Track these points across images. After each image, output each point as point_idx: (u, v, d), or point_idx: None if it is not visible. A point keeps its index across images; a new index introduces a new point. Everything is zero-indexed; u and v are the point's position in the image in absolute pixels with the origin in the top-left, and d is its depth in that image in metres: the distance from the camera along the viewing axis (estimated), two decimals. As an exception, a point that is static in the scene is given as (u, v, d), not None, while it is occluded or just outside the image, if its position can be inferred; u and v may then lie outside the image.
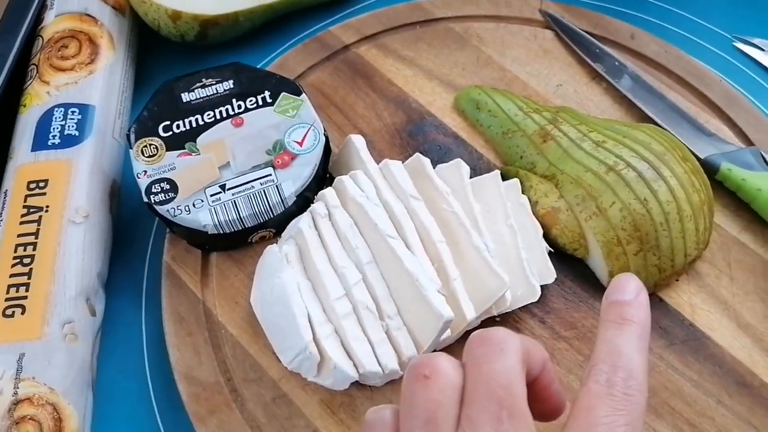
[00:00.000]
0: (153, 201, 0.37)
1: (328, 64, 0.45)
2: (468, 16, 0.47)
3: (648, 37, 0.46)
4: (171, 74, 0.47)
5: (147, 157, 0.38)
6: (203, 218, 0.36)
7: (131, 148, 0.38)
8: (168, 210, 0.36)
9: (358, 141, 0.39)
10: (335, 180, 0.38)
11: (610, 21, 0.47)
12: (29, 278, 0.36)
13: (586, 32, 0.46)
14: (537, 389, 0.25)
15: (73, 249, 0.37)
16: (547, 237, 0.38)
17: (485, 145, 0.42)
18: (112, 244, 0.41)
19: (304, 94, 0.40)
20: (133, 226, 0.42)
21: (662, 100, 0.44)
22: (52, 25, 0.44)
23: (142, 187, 0.37)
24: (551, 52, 0.46)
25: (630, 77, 0.44)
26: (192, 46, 0.47)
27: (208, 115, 0.39)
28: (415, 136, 0.43)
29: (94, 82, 0.42)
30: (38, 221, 0.37)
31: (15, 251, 0.36)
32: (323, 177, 0.40)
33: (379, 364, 0.33)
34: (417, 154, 0.39)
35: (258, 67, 0.47)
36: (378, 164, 0.39)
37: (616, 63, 0.45)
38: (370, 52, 0.46)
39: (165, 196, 0.37)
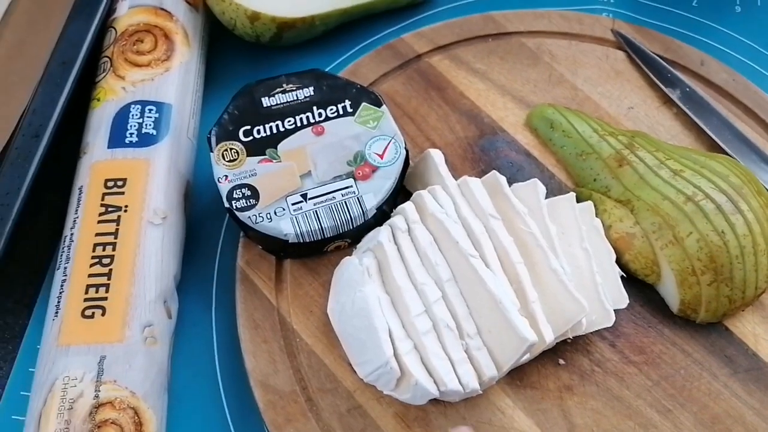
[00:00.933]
0: (234, 207, 0.37)
1: (400, 73, 0.45)
2: (540, 32, 0.47)
3: (717, 65, 0.46)
4: (239, 74, 0.48)
5: (228, 161, 0.38)
6: (285, 227, 0.36)
7: (212, 152, 0.38)
8: (249, 217, 0.37)
9: (437, 156, 0.39)
10: (414, 194, 0.38)
11: (681, 45, 0.47)
12: (109, 279, 0.36)
13: (658, 55, 0.46)
14: None
15: (152, 250, 0.37)
16: (618, 261, 0.39)
17: (557, 165, 0.43)
18: (187, 244, 0.41)
19: (384, 106, 0.40)
20: (201, 227, 0.42)
21: (731, 129, 0.44)
22: (126, 17, 0.44)
23: (223, 192, 0.37)
24: (623, 74, 0.46)
25: (700, 104, 0.44)
26: (262, 47, 0.46)
27: (289, 121, 0.39)
28: (487, 151, 0.43)
29: (170, 80, 0.42)
30: (117, 221, 0.37)
31: (93, 250, 0.36)
32: (400, 190, 0.40)
33: (460, 382, 0.34)
34: (494, 172, 0.39)
35: (328, 69, 0.47)
36: (456, 180, 0.39)
37: (687, 89, 0.45)
38: (443, 63, 0.46)
39: (246, 203, 0.37)
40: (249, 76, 0.46)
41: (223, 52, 0.48)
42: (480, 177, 0.40)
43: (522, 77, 0.45)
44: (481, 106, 0.44)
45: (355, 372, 0.36)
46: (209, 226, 0.42)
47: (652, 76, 0.46)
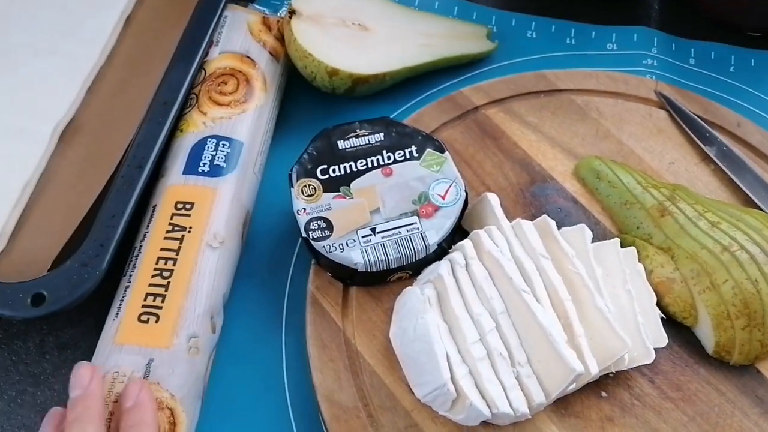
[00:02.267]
0: (311, 237, 0.41)
1: (459, 123, 0.50)
2: (588, 90, 0.51)
3: (753, 127, 0.50)
4: (310, 119, 0.52)
5: (306, 196, 0.42)
6: (355, 257, 0.40)
7: (292, 187, 0.43)
8: (324, 246, 0.41)
9: (493, 199, 0.43)
10: (472, 233, 0.42)
11: (719, 108, 0.51)
12: (166, 290, 0.40)
13: (697, 116, 0.50)
14: None
15: (207, 270, 0.42)
16: (659, 304, 0.42)
17: (602, 212, 0.46)
18: (250, 266, 0.46)
19: (447, 152, 0.44)
20: (273, 254, 0.47)
21: (765, 186, 0.47)
22: (216, 60, 0.49)
23: (301, 223, 0.41)
24: (665, 131, 0.50)
25: (736, 162, 0.48)
26: (334, 96, 0.51)
27: (361, 162, 0.43)
28: (537, 197, 0.47)
29: (245, 120, 0.47)
30: (181, 240, 0.42)
31: (156, 263, 0.41)
32: (457, 228, 0.44)
33: (511, 407, 0.37)
34: (545, 216, 0.43)
35: (392, 117, 0.52)
36: (510, 222, 0.43)
37: (724, 148, 0.48)
38: (498, 115, 0.50)
39: (321, 234, 0.41)
40: (319, 122, 0.51)
41: (297, 98, 0.53)
42: (531, 220, 0.43)
43: (571, 131, 0.50)
44: (532, 155, 0.48)
45: (413, 392, 0.39)
46: (280, 254, 0.47)
47: (691, 135, 0.49)
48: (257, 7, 0.54)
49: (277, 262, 0.46)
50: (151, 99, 0.46)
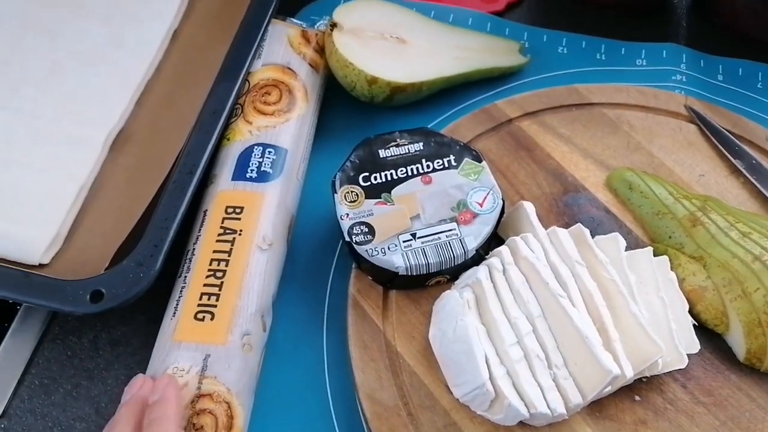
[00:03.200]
0: (354, 241, 0.43)
1: (494, 134, 0.51)
2: (619, 104, 0.53)
3: (781, 141, 0.51)
4: (350, 127, 0.54)
5: (349, 202, 0.44)
6: (396, 261, 0.42)
7: (336, 193, 0.44)
8: (366, 250, 0.42)
9: (529, 207, 0.45)
10: (509, 240, 0.43)
11: (748, 123, 0.52)
12: (220, 290, 0.42)
13: (726, 130, 0.51)
14: None
15: (258, 271, 0.43)
16: (691, 311, 0.43)
17: (634, 222, 0.48)
18: (292, 269, 0.47)
19: (484, 162, 0.45)
20: (314, 257, 0.48)
21: (794, 198, 0.48)
22: (259, 72, 0.51)
23: (344, 227, 0.43)
24: (695, 144, 0.51)
25: (765, 175, 0.49)
26: (372, 105, 0.53)
27: (401, 171, 0.45)
28: (570, 206, 0.48)
29: (288, 129, 0.49)
30: (232, 242, 0.44)
31: (210, 264, 0.43)
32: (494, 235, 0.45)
33: (549, 407, 0.38)
34: (579, 225, 0.44)
35: (429, 127, 0.53)
36: (545, 230, 0.44)
37: (753, 161, 0.50)
38: (532, 128, 0.52)
39: (364, 238, 0.43)
40: (357, 131, 0.53)
41: (336, 108, 0.55)
42: (565, 228, 0.45)
43: (603, 143, 0.51)
44: (565, 166, 0.50)
45: (451, 392, 0.41)
46: (322, 257, 0.48)
47: (721, 148, 0.50)
48: (295, 21, 0.56)
49: (319, 265, 0.48)
50: (199, 110, 0.48)
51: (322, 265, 0.48)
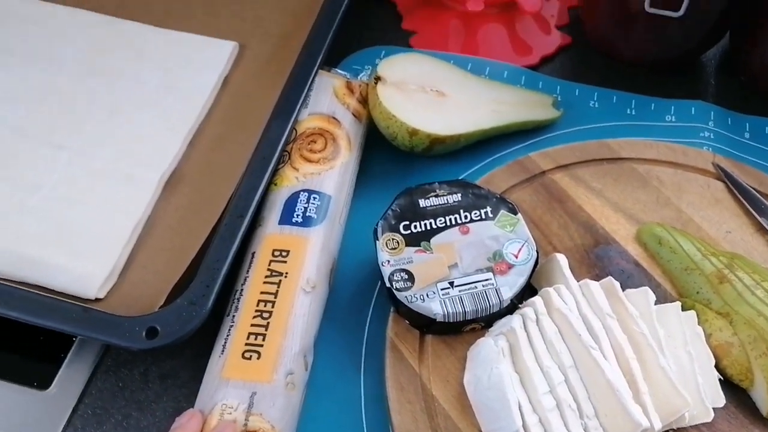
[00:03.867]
0: (394, 287, 0.45)
1: (528, 185, 0.54)
2: (649, 160, 0.55)
3: (808, 199, 0.53)
4: (388, 174, 0.57)
5: (390, 249, 0.46)
6: (435, 308, 0.44)
7: (377, 240, 0.47)
8: (405, 296, 0.44)
9: (562, 260, 0.47)
10: (542, 290, 0.45)
11: (774, 181, 0.54)
12: (266, 330, 0.44)
13: (753, 188, 0.53)
14: None
15: (302, 313, 0.46)
16: (717, 366, 0.44)
17: (663, 276, 0.49)
18: (332, 310, 0.50)
19: (519, 215, 0.48)
20: (352, 300, 0.50)
21: (820, 257, 0.50)
22: (306, 121, 0.54)
23: (385, 274, 0.45)
24: (722, 201, 0.53)
25: (791, 233, 0.51)
26: (410, 154, 0.56)
27: (440, 220, 0.47)
28: (601, 259, 0.50)
29: (332, 176, 0.52)
30: (278, 284, 0.46)
31: (257, 305, 0.45)
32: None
33: (579, 456, 0.40)
34: (610, 278, 0.46)
35: (464, 176, 0.56)
36: (578, 282, 0.46)
37: (780, 219, 0.51)
38: (564, 180, 0.54)
39: (404, 284, 0.45)
40: (396, 178, 0.56)
41: (376, 156, 0.57)
42: (595, 281, 0.47)
43: (633, 197, 0.53)
44: (596, 218, 0.52)
45: (484, 437, 0.42)
46: (360, 300, 0.50)
47: (747, 206, 0.52)
48: (339, 71, 0.59)
49: (358, 306, 0.50)
50: (249, 155, 0.51)
51: (361, 307, 0.50)
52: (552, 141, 0.58)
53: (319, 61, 0.56)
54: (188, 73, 0.59)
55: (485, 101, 0.57)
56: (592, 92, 0.62)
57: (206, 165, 0.54)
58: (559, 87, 0.62)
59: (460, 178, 0.56)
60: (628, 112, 0.61)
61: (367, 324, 0.49)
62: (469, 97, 0.56)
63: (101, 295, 0.47)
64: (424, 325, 0.46)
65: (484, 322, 0.46)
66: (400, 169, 0.57)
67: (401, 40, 0.66)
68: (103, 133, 0.55)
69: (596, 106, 0.61)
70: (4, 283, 0.46)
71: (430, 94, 0.55)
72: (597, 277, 0.48)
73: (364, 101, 0.56)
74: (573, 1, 0.68)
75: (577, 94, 0.62)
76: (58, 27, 0.60)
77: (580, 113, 0.60)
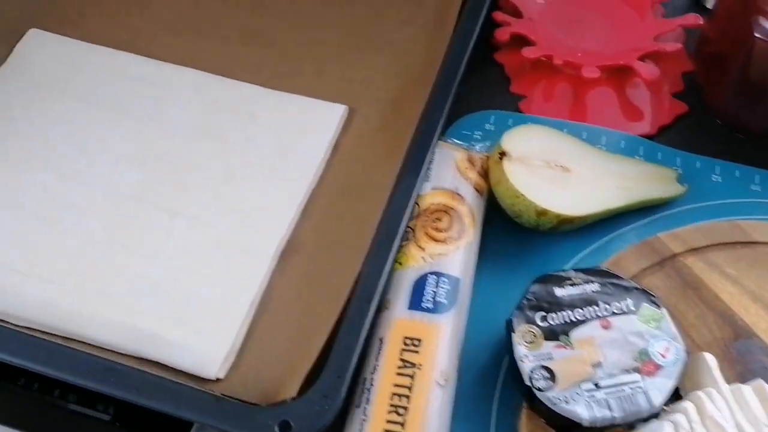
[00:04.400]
0: (535, 386, 0.43)
1: (659, 270, 0.51)
2: (786, 245, 0.52)
3: None
4: (506, 251, 0.54)
5: (527, 343, 0.44)
6: (581, 412, 0.42)
7: (513, 332, 0.45)
8: (549, 398, 0.42)
9: (711, 361, 0.44)
10: (692, 395, 0.43)
11: None
12: (403, 428, 0.42)
13: None
14: None
15: (436, 408, 0.44)
16: None
17: (812, 377, 0.46)
18: (455, 401, 0.47)
19: (664, 309, 0.45)
20: (474, 390, 0.48)
21: None
22: (428, 196, 0.52)
23: (524, 370, 0.43)
24: None
25: None
26: (530, 230, 0.53)
27: (579, 312, 0.45)
28: (742, 354, 0.47)
29: (459, 256, 0.50)
30: (412, 377, 0.44)
31: (391, 399, 0.43)
32: (673, 386, 0.45)
33: None
34: (760, 381, 0.43)
35: (584, 253, 0.54)
36: (729, 386, 0.43)
37: None
38: (698, 265, 0.51)
39: (545, 384, 0.43)
40: (515, 254, 0.54)
41: (493, 230, 0.55)
42: (737, 379, 0.44)
43: (772, 286, 0.50)
44: (734, 309, 0.49)
45: None
46: (483, 389, 0.48)
47: None
48: (456, 141, 0.57)
49: (482, 397, 0.48)
50: (369, 229, 0.50)
51: (485, 398, 0.48)
52: (676, 218, 0.56)
53: (438, 130, 0.54)
54: (299, 136, 0.57)
55: (610, 176, 0.54)
56: (713, 165, 0.59)
57: (321, 236, 0.52)
58: (678, 159, 0.60)
59: (581, 255, 0.54)
60: (753, 188, 0.58)
61: (493, 415, 0.47)
62: (593, 172, 0.54)
63: (221, 375, 0.46)
64: (567, 428, 0.43)
65: (628, 427, 0.43)
66: (518, 246, 0.54)
67: (509, 104, 0.64)
68: (217, 199, 0.54)
69: (719, 180, 0.58)
70: (129, 365, 0.44)
71: (555, 169, 0.53)
72: (739, 375, 0.46)
73: (485, 174, 0.54)
74: (686, 66, 0.66)
75: (698, 166, 0.59)
76: (169, 86, 0.59)
77: (702, 187, 0.58)
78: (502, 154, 0.52)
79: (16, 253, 0.51)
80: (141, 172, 0.55)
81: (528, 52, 0.63)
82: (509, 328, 0.45)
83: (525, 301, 0.46)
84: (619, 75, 0.64)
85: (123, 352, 0.46)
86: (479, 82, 0.65)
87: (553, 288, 0.46)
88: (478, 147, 0.57)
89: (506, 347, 0.45)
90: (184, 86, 0.59)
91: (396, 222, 0.49)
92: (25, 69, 0.60)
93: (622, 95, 0.65)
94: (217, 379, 0.45)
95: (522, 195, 0.50)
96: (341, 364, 0.43)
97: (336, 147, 0.57)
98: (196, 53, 0.62)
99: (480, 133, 0.61)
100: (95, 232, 0.52)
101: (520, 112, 0.63)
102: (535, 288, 0.46)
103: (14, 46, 0.61)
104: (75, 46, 0.62)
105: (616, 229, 0.55)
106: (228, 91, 0.59)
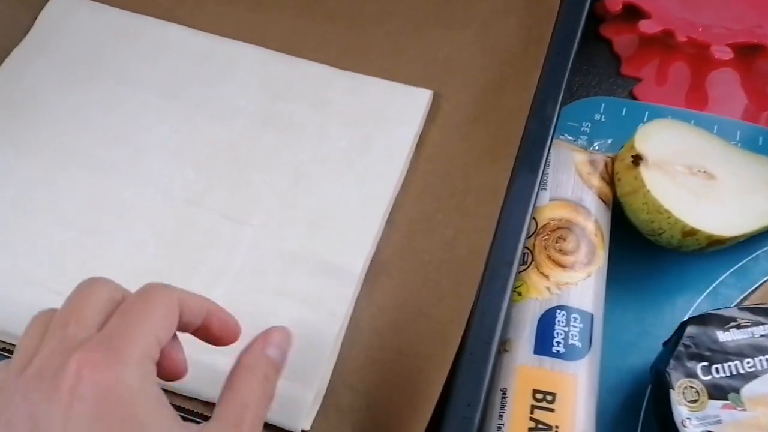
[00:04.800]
0: (704, 458, 0.35)
1: (825, 302, 0.43)
2: None
3: None
4: (631, 270, 0.45)
5: (689, 401, 0.36)
6: (762, 492, 0.34)
7: (672, 388, 0.36)
8: (721, 472, 0.34)
9: None
10: None
11: None
12: None
13: None
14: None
15: None
16: None
17: None
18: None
19: None
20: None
21: None
22: (547, 209, 0.43)
23: (688, 436, 0.35)
24: None
25: None
26: (657, 245, 0.45)
27: (748, 363, 0.37)
28: None
29: (590, 286, 0.41)
30: None
31: None
32: None
33: None
34: None
35: (724, 275, 0.45)
36: None
37: None
38: None
39: (715, 455, 0.35)
40: (642, 279, 0.45)
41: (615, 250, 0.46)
42: None
43: None
44: None
45: None
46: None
47: None
48: (569, 137, 0.48)
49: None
50: (479, 248, 0.41)
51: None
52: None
53: (554, 123, 0.44)
54: (379, 127, 0.47)
55: (760, 185, 0.45)
56: None
57: (411, 253, 0.43)
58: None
59: (721, 278, 0.45)
60: None
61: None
62: (741, 179, 0.45)
63: (307, 427, 0.38)
64: (732, 504, 0.36)
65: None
66: (646, 267, 0.45)
67: (621, 89, 0.54)
68: (288, 204, 0.44)
69: None
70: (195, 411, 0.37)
71: (698, 176, 0.44)
72: None
73: (610, 181, 0.45)
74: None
75: None
76: (225, 65, 0.49)
77: None
78: (637, 157, 0.43)
79: (53, 269, 0.42)
80: (196, 171, 0.45)
81: (646, 26, 0.53)
82: (660, 380, 0.37)
83: (682, 348, 0.37)
84: (745, 55, 0.55)
85: (195, 396, 0.39)
86: (583, 61, 0.55)
87: (715, 331, 0.38)
88: (596, 145, 0.47)
89: (654, 403, 0.37)
90: (242, 65, 0.49)
91: (514, 240, 0.40)
92: (54, 42, 0.50)
93: (750, 79, 0.55)
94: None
95: (667, 211, 0.41)
96: (461, 424, 0.35)
97: (421, 141, 0.48)
98: (249, 25, 0.51)
99: (588, 124, 0.52)
100: (146, 243, 0.43)
101: (635, 98, 0.54)
102: (693, 331, 0.38)
103: (39, 12, 0.51)
104: (111, 14, 0.51)
105: (757, 249, 0.46)
106: (294, 71, 0.49)
